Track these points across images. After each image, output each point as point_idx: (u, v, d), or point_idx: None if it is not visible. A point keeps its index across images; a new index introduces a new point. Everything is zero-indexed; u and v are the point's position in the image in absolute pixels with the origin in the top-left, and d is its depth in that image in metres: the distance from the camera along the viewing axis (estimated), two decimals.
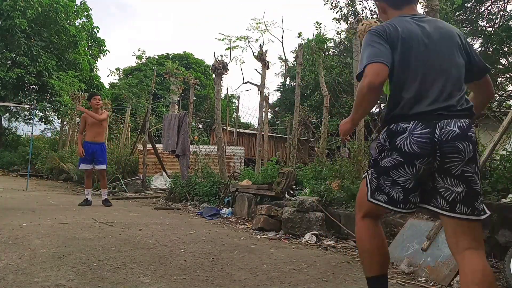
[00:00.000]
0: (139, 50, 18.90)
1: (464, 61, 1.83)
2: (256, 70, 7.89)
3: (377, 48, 1.74)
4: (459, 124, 1.69)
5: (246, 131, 18.27)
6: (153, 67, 11.70)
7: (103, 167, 6.64)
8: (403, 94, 1.76)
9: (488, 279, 1.62)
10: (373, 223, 1.93)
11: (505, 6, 12.77)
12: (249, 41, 8.41)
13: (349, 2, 12.06)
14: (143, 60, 19.74)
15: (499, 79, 13.61)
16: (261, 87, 7.73)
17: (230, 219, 5.65)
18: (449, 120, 1.69)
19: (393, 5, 1.98)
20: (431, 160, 1.68)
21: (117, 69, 21.12)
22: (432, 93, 1.73)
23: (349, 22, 11.46)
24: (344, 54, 12.64)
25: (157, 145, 10.71)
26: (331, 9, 12.21)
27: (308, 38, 8.06)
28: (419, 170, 1.70)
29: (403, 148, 1.70)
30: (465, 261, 1.67)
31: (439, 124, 1.68)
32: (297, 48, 8.14)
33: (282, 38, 21.14)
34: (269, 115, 19.29)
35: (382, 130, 1.86)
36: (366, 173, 1.92)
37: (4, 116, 20.69)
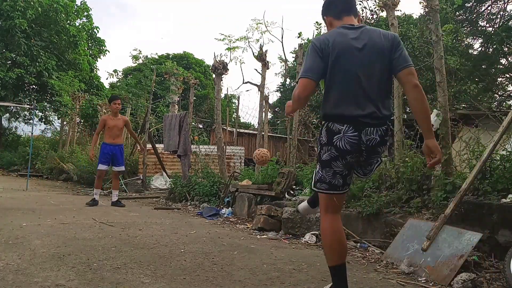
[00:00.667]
0: (135, 50, 18.87)
1: (386, 65, 2.14)
2: (256, 70, 7.91)
3: (311, 62, 2.10)
4: (379, 133, 2.11)
5: (246, 131, 18.27)
6: (152, 67, 11.67)
7: (122, 168, 6.80)
8: (335, 98, 2.11)
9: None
10: (333, 218, 2.21)
11: (505, 6, 12.77)
12: (249, 41, 8.44)
13: None
14: (140, 60, 19.73)
15: (499, 79, 13.60)
16: (261, 87, 7.73)
17: (230, 219, 5.65)
18: (372, 128, 2.09)
19: (336, 16, 2.30)
20: (358, 155, 2.13)
21: (115, 71, 21.11)
22: (358, 100, 2.08)
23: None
24: None
25: (157, 145, 10.71)
26: None
27: (308, 38, 8.08)
28: (350, 162, 2.14)
29: (338, 145, 2.09)
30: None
31: (364, 131, 2.07)
32: (297, 48, 8.14)
33: (282, 38, 21.08)
34: (269, 115, 19.28)
35: (322, 125, 2.19)
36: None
37: (4, 116, 20.67)
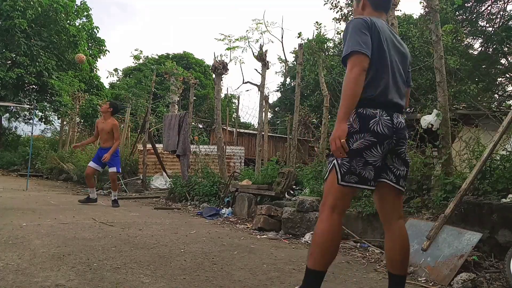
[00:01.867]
0: (136, 50, 18.86)
1: (406, 72, 2.21)
2: (256, 70, 7.88)
3: (364, 37, 1.96)
4: (404, 118, 2.12)
5: (246, 131, 18.27)
6: (152, 67, 11.67)
7: (114, 169, 6.81)
8: (374, 83, 2.00)
9: (408, 243, 2.11)
10: (340, 220, 2.03)
11: (505, 6, 12.78)
12: (249, 41, 8.39)
13: (349, 2, 12.06)
14: (141, 60, 19.74)
15: (499, 79, 13.60)
16: (261, 87, 7.73)
17: (230, 219, 5.65)
18: (399, 113, 2.08)
19: (374, 5, 2.22)
20: (392, 142, 2.00)
21: (116, 69, 21.12)
22: (393, 89, 2.05)
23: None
24: None
25: (157, 145, 10.70)
26: (331, 9, 12.20)
27: (308, 38, 8.05)
28: (386, 150, 1.99)
29: (376, 130, 1.95)
30: (394, 229, 2.08)
31: (394, 115, 2.03)
32: (297, 48, 8.14)
33: (282, 38, 20.95)
34: (269, 115, 19.29)
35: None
36: (331, 162, 2.03)
37: (4, 116, 20.67)
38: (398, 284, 2.08)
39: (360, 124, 1.96)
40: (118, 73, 19.03)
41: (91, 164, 6.80)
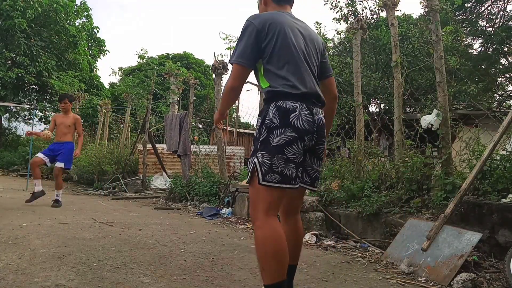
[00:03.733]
0: (141, 50, 18.84)
1: (319, 62, 2.15)
2: None
3: (247, 45, 1.94)
4: (323, 114, 2.03)
5: (246, 131, 18.27)
6: (155, 67, 11.70)
7: (62, 165, 6.35)
8: (285, 75, 1.93)
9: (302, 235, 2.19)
10: (277, 221, 1.90)
11: (505, 6, 12.78)
12: None
13: (349, 2, 12.06)
14: (144, 60, 19.80)
15: (499, 79, 13.61)
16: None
17: (230, 219, 5.65)
18: (318, 109, 2.00)
19: (276, 0, 2.18)
20: (312, 138, 1.93)
21: (120, 68, 21.13)
22: (307, 80, 1.97)
23: (349, 22, 11.45)
24: (344, 54, 12.64)
25: (159, 145, 10.70)
26: (331, 9, 12.21)
27: None
28: (306, 145, 1.91)
29: (297, 125, 1.86)
30: (293, 222, 2.11)
31: (315, 110, 1.96)
32: None
33: None
34: None
35: (267, 106, 1.94)
36: (252, 162, 1.91)
37: (4, 116, 20.69)
38: (290, 273, 2.01)
39: (279, 118, 1.87)
40: (120, 73, 19.04)
41: (40, 154, 6.38)
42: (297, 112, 1.87)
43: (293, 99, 1.90)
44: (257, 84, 2.13)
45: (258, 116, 2.02)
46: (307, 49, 2.06)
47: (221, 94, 8.01)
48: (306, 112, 1.90)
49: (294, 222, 2.12)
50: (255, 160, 1.89)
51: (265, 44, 1.95)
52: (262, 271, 1.85)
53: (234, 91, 2.00)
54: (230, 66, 2.04)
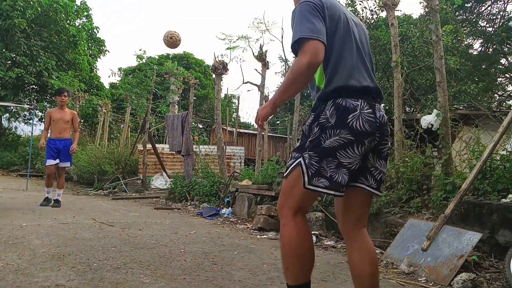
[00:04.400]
0: (140, 50, 18.88)
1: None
2: (256, 70, 7.90)
3: (316, 23, 1.63)
4: (383, 110, 1.77)
5: (246, 131, 18.29)
6: (154, 67, 11.71)
7: (67, 164, 6.38)
8: (346, 67, 1.70)
9: (375, 254, 1.81)
10: (306, 221, 1.75)
11: (505, 6, 12.78)
12: (249, 41, 8.41)
13: (349, 2, 12.05)
14: (143, 60, 19.82)
15: (499, 79, 13.61)
16: (261, 87, 7.73)
17: (230, 219, 5.65)
18: (379, 105, 1.75)
19: None
20: (374, 139, 1.69)
21: (120, 68, 21.15)
22: (367, 73, 1.75)
23: None
24: None
25: (159, 145, 10.70)
26: None
27: None
28: (366, 150, 1.67)
29: (355, 127, 1.62)
30: (361, 238, 1.77)
31: (376, 107, 1.71)
32: None
33: (282, 38, 21.07)
34: None
35: (323, 103, 1.70)
36: (297, 160, 1.69)
37: (4, 116, 20.70)
38: None
39: (337, 118, 1.63)
40: (120, 73, 19.05)
41: (51, 162, 6.21)
42: (357, 112, 1.63)
43: (355, 96, 1.66)
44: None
45: (312, 111, 1.78)
46: (362, 39, 1.82)
47: (220, 94, 8.01)
48: (367, 111, 1.65)
49: (362, 238, 1.78)
50: (301, 160, 1.67)
51: (327, 26, 1.67)
52: (286, 270, 1.73)
53: (313, 70, 1.60)
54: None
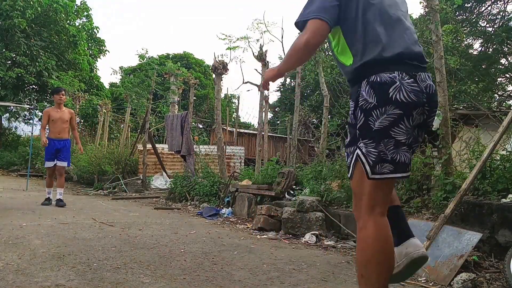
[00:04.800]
0: (142, 50, 18.86)
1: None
2: (256, 70, 7.90)
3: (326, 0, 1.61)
4: (431, 79, 1.64)
5: (246, 131, 18.29)
6: (155, 67, 11.73)
7: (65, 164, 6.39)
8: (374, 36, 1.59)
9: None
10: (386, 220, 1.59)
11: (505, 6, 12.78)
12: (249, 41, 8.39)
13: None
14: (145, 60, 19.84)
15: (499, 79, 13.60)
16: (261, 87, 7.73)
17: (230, 219, 5.65)
18: (424, 73, 1.62)
19: None
20: (424, 111, 1.59)
21: (121, 67, 21.14)
22: (404, 38, 1.62)
23: None
24: None
25: (159, 145, 10.70)
26: None
27: None
28: (416, 121, 1.58)
29: (400, 99, 1.52)
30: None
31: (418, 76, 1.58)
32: None
33: (282, 38, 21.01)
34: (269, 115, 19.30)
35: (358, 85, 1.62)
36: (354, 153, 1.62)
37: (4, 116, 20.69)
38: (400, 215, 1.79)
39: (377, 96, 1.53)
40: (121, 72, 19.03)
41: (50, 164, 6.29)
42: (397, 83, 1.52)
43: (388, 68, 1.54)
44: (337, 63, 1.75)
45: (350, 100, 1.70)
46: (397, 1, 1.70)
47: (220, 94, 8.01)
48: (408, 81, 1.53)
49: (398, 207, 1.76)
50: (358, 151, 1.58)
51: (343, 2, 1.63)
52: (360, 278, 1.58)
53: (309, 48, 1.61)
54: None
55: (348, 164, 1.68)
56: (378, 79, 1.54)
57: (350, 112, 1.69)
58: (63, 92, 6.58)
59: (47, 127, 6.58)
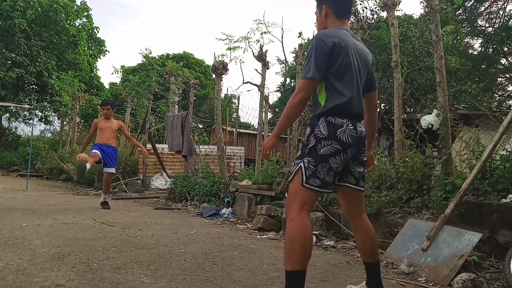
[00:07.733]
0: (146, 49, 18.81)
1: (366, 79, 2.32)
2: (256, 70, 7.89)
3: (322, 61, 2.08)
4: (363, 126, 2.24)
5: (246, 131, 18.29)
6: (157, 67, 11.73)
7: (112, 170, 6.53)
8: (339, 96, 2.12)
9: (374, 233, 2.31)
10: (309, 217, 2.10)
11: (505, 6, 12.77)
12: (249, 42, 8.40)
13: None
14: (147, 60, 19.84)
15: (499, 79, 13.60)
16: (261, 87, 7.73)
17: (230, 219, 5.65)
18: (360, 123, 2.21)
19: (338, 14, 2.28)
20: (354, 150, 2.14)
21: (122, 66, 21.11)
22: (356, 101, 2.17)
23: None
24: None
25: (159, 145, 10.70)
26: None
27: (308, 38, 8.06)
28: (348, 157, 2.13)
29: (342, 139, 2.08)
30: (361, 223, 2.28)
31: (358, 124, 2.17)
32: (297, 48, 8.13)
33: (282, 38, 20.98)
34: (269, 115, 19.28)
35: (317, 119, 2.15)
36: (298, 165, 2.12)
37: (4, 116, 20.68)
38: (374, 270, 2.27)
39: (328, 131, 2.08)
40: (122, 71, 19.02)
41: (97, 151, 6.26)
42: (343, 128, 2.09)
43: (343, 116, 2.11)
44: (313, 97, 2.24)
45: (308, 126, 2.24)
46: (360, 70, 2.22)
47: (220, 94, 8.00)
48: (351, 127, 2.11)
49: (362, 222, 2.28)
50: (301, 164, 2.10)
51: (332, 62, 2.10)
52: (287, 258, 2.03)
53: (303, 102, 2.12)
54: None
55: (292, 170, 2.19)
56: (333, 121, 2.11)
57: (306, 134, 2.22)
58: (108, 107, 6.61)
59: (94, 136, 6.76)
